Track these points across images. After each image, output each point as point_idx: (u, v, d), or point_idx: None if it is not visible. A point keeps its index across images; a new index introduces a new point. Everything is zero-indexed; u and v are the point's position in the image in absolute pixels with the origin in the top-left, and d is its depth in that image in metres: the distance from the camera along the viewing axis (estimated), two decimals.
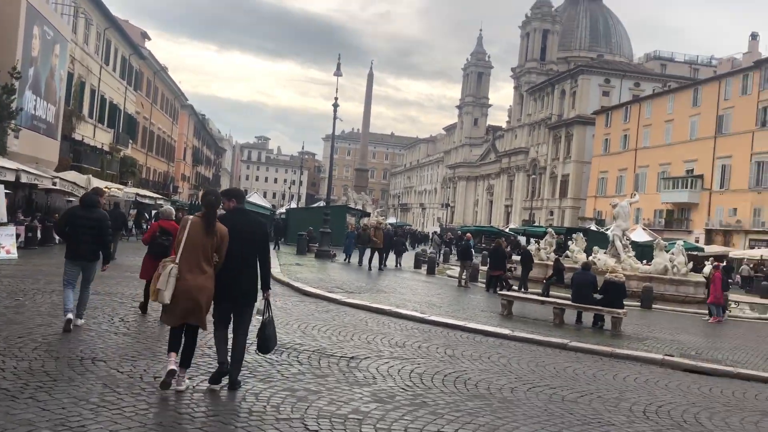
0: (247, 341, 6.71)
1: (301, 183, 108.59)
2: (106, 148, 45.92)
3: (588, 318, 14.70)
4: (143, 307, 10.14)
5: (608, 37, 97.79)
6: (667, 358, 10.89)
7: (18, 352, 6.89)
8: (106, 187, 31.43)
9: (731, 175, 51.56)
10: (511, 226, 71.51)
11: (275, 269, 20.67)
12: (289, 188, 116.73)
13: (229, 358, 6.37)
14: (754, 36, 67.42)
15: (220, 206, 6.47)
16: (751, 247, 45.95)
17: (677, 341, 13.51)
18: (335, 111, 28.94)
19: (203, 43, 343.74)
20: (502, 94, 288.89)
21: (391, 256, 27.16)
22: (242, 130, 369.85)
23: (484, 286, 22.01)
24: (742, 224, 48.68)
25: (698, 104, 57.17)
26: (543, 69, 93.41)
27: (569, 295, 18.81)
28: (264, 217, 38.97)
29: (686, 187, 55.72)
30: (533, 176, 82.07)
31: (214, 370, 6.49)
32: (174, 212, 10.85)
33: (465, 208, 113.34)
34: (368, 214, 53.36)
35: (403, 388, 7.08)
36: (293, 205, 70.56)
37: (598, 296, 14.65)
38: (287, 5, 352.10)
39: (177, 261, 6.04)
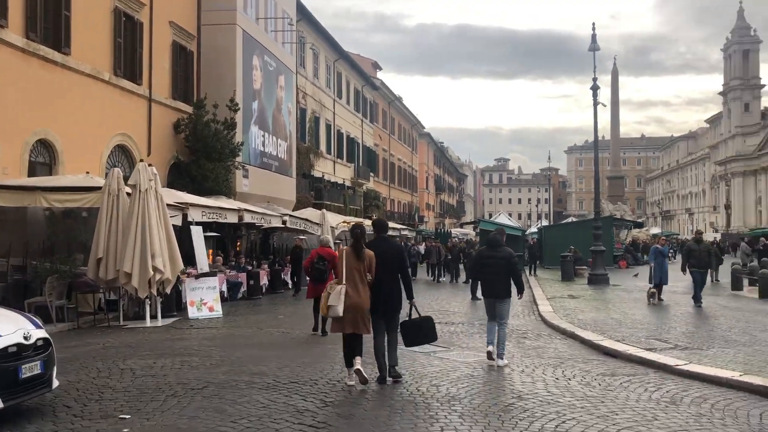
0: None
1: (546, 201, 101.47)
2: (347, 183, 44.57)
3: None
4: (315, 328, 11.65)
5: None
6: None
7: None
8: (344, 222, 28.87)
9: None
10: None
11: (545, 307, 15.31)
12: (536, 206, 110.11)
13: (387, 370, 7.73)
14: None
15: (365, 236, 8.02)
16: None
17: None
18: (595, 96, 22.95)
19: (435, 77, 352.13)
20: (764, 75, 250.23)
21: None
22: (481, 155, 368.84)
23: None
24: None
25: None
26: None
27: None
28: (515, 239, 33.88)
29: None
30: None
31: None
32: (331, 241, 11.79)
33: (744, 209, 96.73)
34: (640, 225, 45.42)
35: None
36: (543, 223, 64.20)
37: None
38: (513, 26, 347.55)
39: (344, 282, 7.50)
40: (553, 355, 9.73)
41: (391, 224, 38.29)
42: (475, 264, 9.78)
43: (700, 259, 15.95)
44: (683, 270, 16.22)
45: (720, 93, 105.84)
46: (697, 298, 15.63)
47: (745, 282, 20.77)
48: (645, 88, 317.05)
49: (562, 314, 13.98)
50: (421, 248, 32.36)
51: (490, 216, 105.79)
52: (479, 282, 9.78)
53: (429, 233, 55.27)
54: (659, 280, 16.44)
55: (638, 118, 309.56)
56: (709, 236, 75.10)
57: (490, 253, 9.32)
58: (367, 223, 34.68)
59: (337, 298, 7.36)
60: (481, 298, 18.89)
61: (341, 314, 7.30)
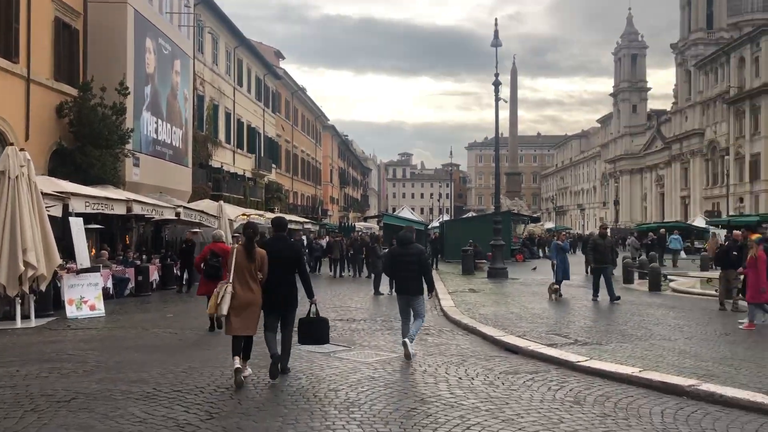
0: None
1: (447, 196, 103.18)
2: (248, 175, 43.28)
3: None
4: (212, 327, 11.11)
5: None
6: None
7: None
8: (243, 214, 27.81)
9: None
10: (699, 219, 61.44)
11: (447, 302, 15.18)
12: (438, 201, 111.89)
13: (279, 351, 7.67)
14: None
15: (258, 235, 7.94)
16: None
17: None
18: (497, 92, 23.17)
19: (339, 71, 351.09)
20: (654, 79, 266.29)
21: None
22: (385, 150, 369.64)
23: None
24: None
25: None
26: (712, 39, 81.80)
27: None
28: (417, 234, 33.95)
29: None
30: (713, 160, 70.85)
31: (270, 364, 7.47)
32: (224, 235, 11.31)
33: (631, 205, 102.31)
34: (536, 220, 46.74)
35: None
36: (445, 218, 65.16)
37: None
38: (417, 22, 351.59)
39: (230, 281, 7.40)
40: (455, 352, 9.49)
41: (294, 218, 37.46)
42: (387, 262, 9.92)
43: (605, 254, 15.75)
44: (589, 265, 16.22)
45: (610, 94, 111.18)
46: (596, 292, 15.75)
47: (636, 275, 21.59)
48: (541, 88, 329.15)
49: (463, 309, 13.87)
50: (323, 242, 31.70)
51: (394, 210, 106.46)
52: (392, 279, 9.75)
53: (333, 227, 54.72)
54: (562, 277, 16.55)
55: (534, 117, 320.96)
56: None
57: (402, 250, 9.37)
58: (269, 215, 33.86)
59: (221, 296, 7.39)
60: (384, 293, 18.81)
61: (225, 313, 7.30)
